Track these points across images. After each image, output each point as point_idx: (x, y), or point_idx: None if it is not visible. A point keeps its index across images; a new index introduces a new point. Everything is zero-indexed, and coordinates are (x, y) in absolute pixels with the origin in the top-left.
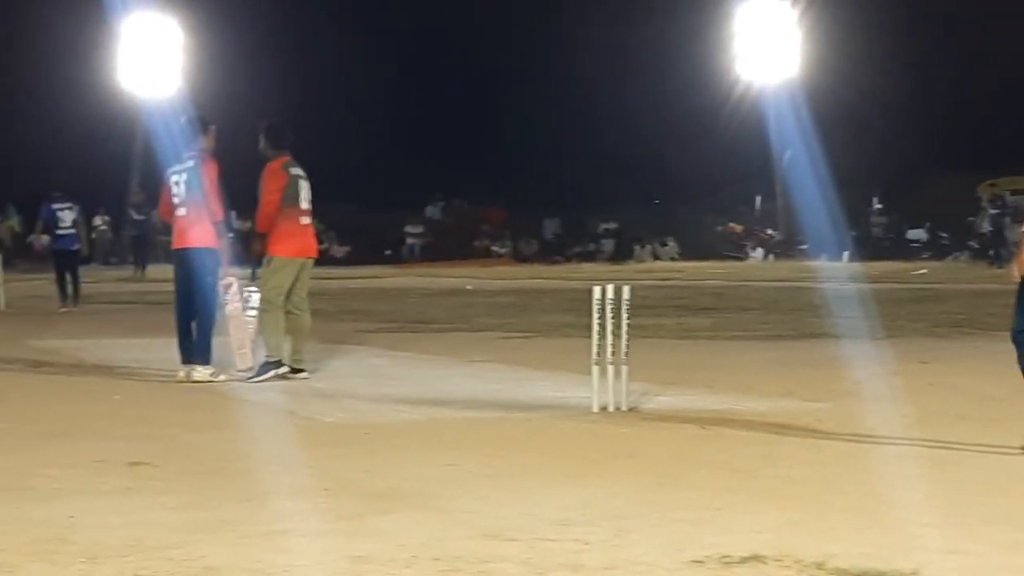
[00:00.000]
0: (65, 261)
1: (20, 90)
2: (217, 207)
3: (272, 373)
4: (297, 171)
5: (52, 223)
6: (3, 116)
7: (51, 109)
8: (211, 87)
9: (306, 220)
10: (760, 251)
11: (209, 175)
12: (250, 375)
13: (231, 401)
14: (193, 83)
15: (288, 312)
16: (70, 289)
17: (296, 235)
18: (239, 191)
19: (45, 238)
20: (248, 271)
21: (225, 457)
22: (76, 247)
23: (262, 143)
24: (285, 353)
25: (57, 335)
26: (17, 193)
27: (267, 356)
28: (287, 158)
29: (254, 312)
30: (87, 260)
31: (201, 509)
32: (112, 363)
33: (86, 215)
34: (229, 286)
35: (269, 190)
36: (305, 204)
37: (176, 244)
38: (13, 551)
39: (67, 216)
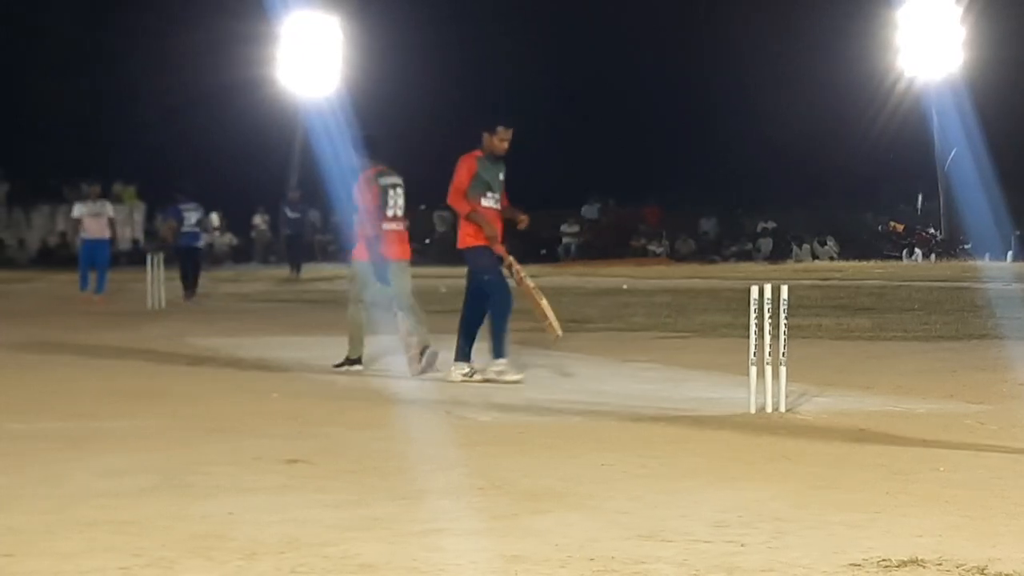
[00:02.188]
0: (188, 256)
1: (183, 91)
2: (461, 204)
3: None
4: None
5: (179, 222)
6: (167, 118)
7: (212, 110)
8: (370, 86)
9: (393, 226)
10: (919, 252)
11: (458, 173)
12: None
13: (386, 400)
14: (353, 82)
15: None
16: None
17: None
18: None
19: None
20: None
21: (380, 455)
22: (199, 244)
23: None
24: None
25: (216, 333)
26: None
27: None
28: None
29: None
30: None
31: (357, 507)
32: (269, 361)
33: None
34: (510, 266)
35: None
36: (391, 212)
37: None
38: (172, 547)
39: (192, 216)
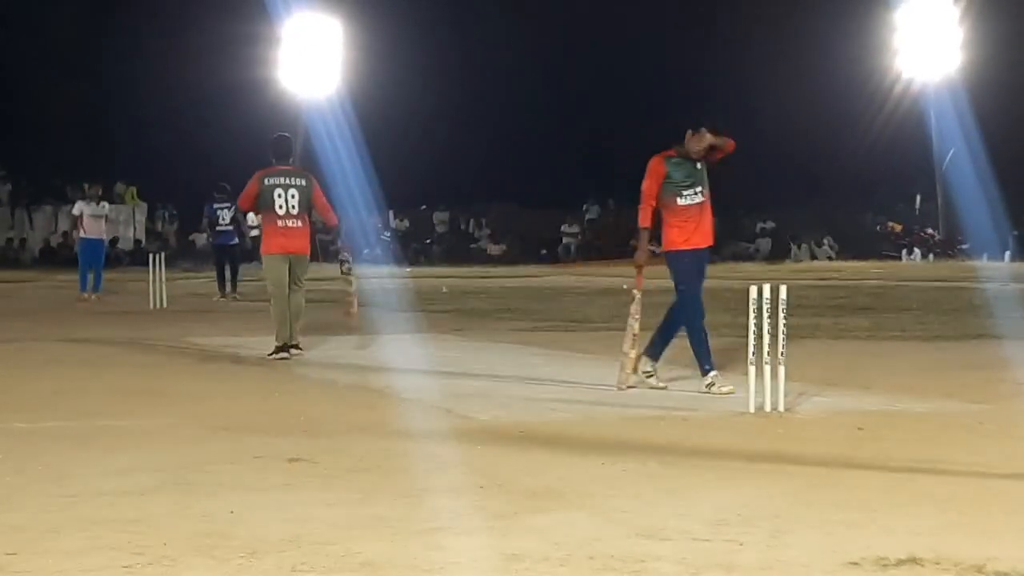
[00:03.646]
0: (224, 254)
1: (185, 91)
2: (642, 215)
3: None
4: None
5: (213, 220)
6: (169, 118)
7: (214, 110)
8: (371, 87)
9: (286, 223)
10: (917, 252)
11: (647, 177)
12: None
13: (387, 399)
14: (354, 82)
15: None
16: (227, 278)
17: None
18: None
19: (204, 235)
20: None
21: (382, 454)
22: (234, 242)
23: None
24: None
25: (218, 333)
26: (181, 193)
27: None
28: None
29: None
30: (249, 256)
31: (358, 506)
32: (271, 361)
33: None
34: (632, 301)
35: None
36: (281, 210)
37: None
38: (175, 545)
39: (226, 214)
